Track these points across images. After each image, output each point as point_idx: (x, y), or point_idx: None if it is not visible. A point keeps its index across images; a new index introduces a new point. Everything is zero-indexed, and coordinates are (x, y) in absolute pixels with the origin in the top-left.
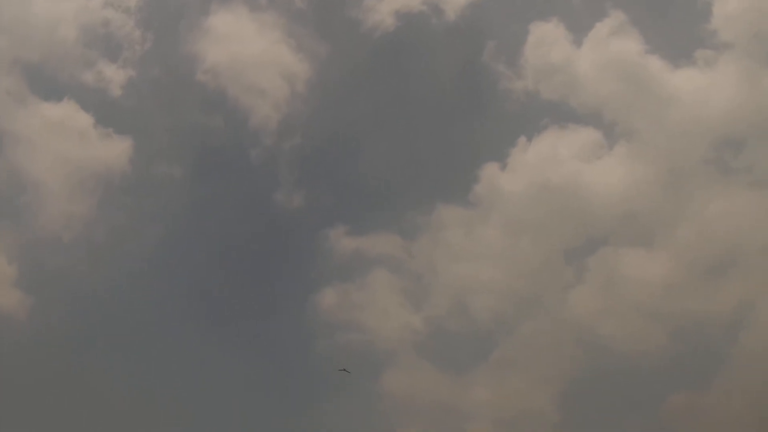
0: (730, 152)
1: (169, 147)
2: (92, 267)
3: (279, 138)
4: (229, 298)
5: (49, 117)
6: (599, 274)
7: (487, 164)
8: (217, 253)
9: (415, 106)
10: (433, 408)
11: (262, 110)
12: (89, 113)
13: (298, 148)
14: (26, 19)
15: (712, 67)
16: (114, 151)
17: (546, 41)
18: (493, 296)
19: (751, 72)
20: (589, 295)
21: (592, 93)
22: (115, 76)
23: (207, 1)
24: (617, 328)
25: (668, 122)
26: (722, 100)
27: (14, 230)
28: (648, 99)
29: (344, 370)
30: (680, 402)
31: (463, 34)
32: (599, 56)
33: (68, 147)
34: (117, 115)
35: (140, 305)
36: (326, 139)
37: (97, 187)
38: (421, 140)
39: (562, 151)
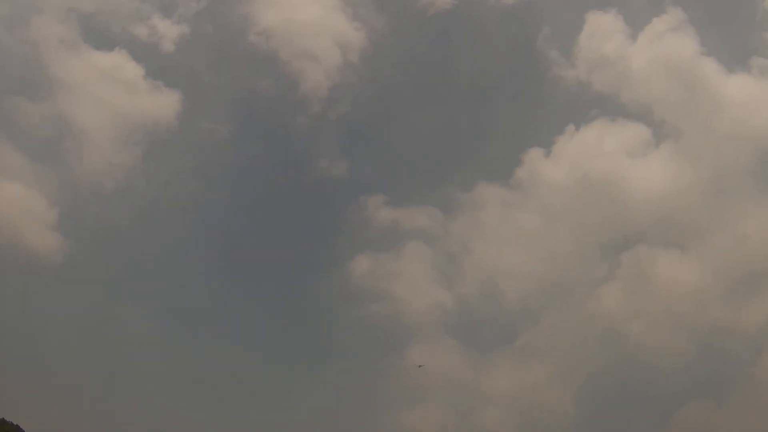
0: None
1: (216, 105)
2: (130, 217)
3: (328, 105)
4: (264, 259)
5: (100, 65)
6: (631, 272)
7: (531, 149)
8: (256, 213)
9: (465, 85)
10: (453, 387)
11: (313, 76)
12: (140, 65)
13: (345, 116)
14: None
15: (766, 76)
16: (162, 104)
17: (602, 32)
18: (524, 282)
19: None
20: (618, 293)
21: (644, 89)
22: (168, 31)
23: None
24: (643, 329)
25: (717, 127)
26: None
27: (58, 175)
28: (699, 101)
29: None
30: (696, 410)
31: (520, 18)
32: (654, 53)
33: (116, 96)
34: (168, 69)
35: (174, 258)
36: (374, 110)
37: (142, 139)
38: (468, 119)
39: (608, 145)
